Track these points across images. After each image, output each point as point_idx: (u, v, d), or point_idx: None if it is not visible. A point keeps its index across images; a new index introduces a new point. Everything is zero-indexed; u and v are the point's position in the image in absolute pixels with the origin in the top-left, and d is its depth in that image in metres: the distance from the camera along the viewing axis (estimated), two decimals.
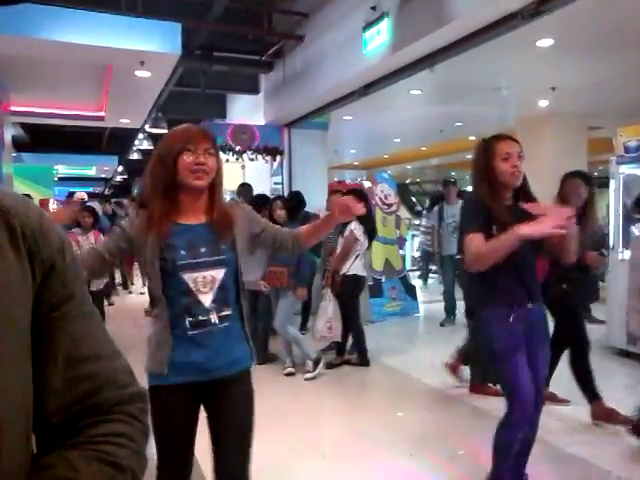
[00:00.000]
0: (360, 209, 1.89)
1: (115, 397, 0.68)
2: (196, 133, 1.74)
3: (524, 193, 2.28)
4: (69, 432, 0.64)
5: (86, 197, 8.72)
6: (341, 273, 4.79)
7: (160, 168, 1.74)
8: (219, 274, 1.74)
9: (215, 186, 1.79)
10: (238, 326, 1.81)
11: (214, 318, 1.73)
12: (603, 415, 3.45)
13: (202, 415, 1.85)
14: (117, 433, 0.65)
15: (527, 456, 2.41)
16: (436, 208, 7.21)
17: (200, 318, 1.72)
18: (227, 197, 5.41)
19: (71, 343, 0.65)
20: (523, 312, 2.23)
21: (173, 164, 1.70)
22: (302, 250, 2.12)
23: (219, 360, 1.74)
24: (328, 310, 4.64)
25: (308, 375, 4.54)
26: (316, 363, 4.58)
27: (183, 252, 1.70)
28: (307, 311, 6.12)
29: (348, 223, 4.82)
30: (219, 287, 1.74)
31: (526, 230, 1.97)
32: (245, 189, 6.86)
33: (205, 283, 1.72)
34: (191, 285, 1.71)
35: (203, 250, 1.73)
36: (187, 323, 1.71)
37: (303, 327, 5.96)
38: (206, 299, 1.72)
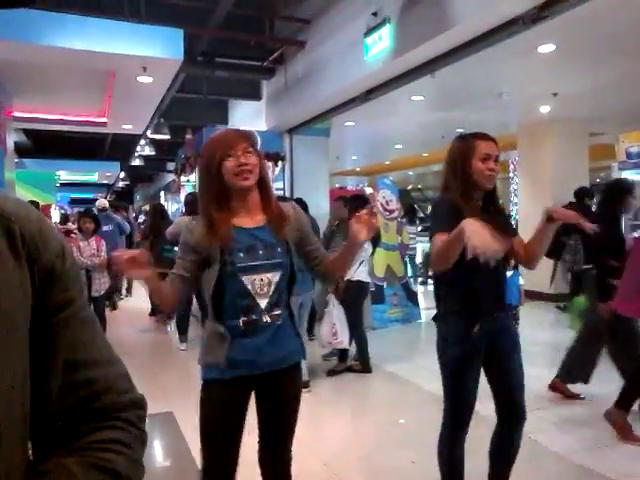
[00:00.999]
0: (375, 224, 1.85)
1: (113, 404, 0.67)
2: (232, 136, 1.83)
3: (492, 198, 2.23)
4: (66, 438, 0.64)
5: (107, 204, 8.73)
6: (345, 279, 4.78)
7: (207, 178, 1.82)
8: (275, 277, 1.81)
9: (263, 183, 1.85)
10: (288, 323, 1.88)
11: (266, 318, 1.80)
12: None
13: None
14: (115, 440, 0.65)
15: (510, 466, 2.33)
16: None
17: (254, 317, 1.78)
18: None
19: (70, 349, 0.65)
20: (489, 321, 2.16)
21: (217, 172, 1.77)
22: (331, 282, 2.16)
23: (269, 355, 1.81)
24: (332, 316, 4.62)
25: None
26: None
27: (242, 255, 1.77)
28: (312, 318, 6.10)
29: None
30: (275, 289, 1.80)
31: (470, 228, 1.75)
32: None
33: (262, 285, 1.79)
34: (249, 287, 1.77)
35: (261, 253, 1.79)
36: (240, 322, 1.77)
37: (309, 334, 5.93)
38: (263, 301, 1.79)
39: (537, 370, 4.20)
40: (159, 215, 7.43)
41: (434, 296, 2.32)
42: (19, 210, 0.64)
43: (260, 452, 1.97)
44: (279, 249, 1.81)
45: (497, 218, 2.17)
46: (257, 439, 1.98)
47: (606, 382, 4.66)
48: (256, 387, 1.89)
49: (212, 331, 1.83)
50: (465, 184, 2.15)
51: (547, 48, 5.24)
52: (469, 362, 2.17)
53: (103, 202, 8.71)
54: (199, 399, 1.86)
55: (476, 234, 1.70)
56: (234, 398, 1.84)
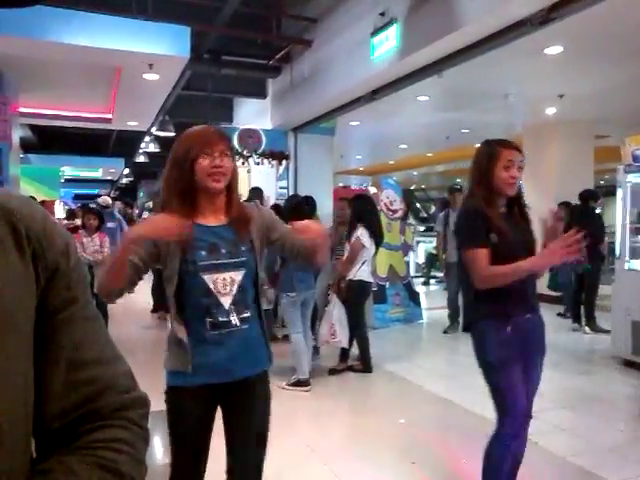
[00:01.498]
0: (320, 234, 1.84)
1: (116, 402, 0.67)
2: (211, 135, 1.74)
3: (518, 203, 2.26)
4: (69, 437, 0.63)
5: (110, 201, 8.73)
6: (347, 279, 4.78)
7: (177, 172, 1.74)
8: (238, 276, 1.74)
9: (232, 186, 1.80)
10: (257, 328, 1.82)
11: (234, 320, 1.74)
12: None
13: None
14: (117, 439, 0.65)
15: (517, 471, 2.31)
16: (442, 215, 7.20)
17: (220, 319, 1.72)
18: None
19: (73, 347, 0.65)
20: (521, 323, 2.18)
21: (190, 168, 1.70)
22: (312, 264, 2.07)
23: (239, 361, 1.75)
24: (332, 315, 4.62)
25: (282, 384, 4.38)
26: (296, 384, 4.40)
27: (204, 253, 1.71)
28: (314, 316, 6.09)
29: (354, 229, 4.81)
30: (238, 289, 1.74)
31: (539, 264, 2.06)
32: (255, 193, 6.85)
33: (225, 285, 1.73)
34: (211, 286, 1.71)
35: (223, 251, 1.74)
36: (207, 324, 1.72)
37: (312, 332, 5.92)
38: (226, 301, 1.73)
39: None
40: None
41: (465, 302, 2.34)
42: (23, 208, 0.64)
43: (230, 468, 1.84)
44: (243, 248, 1.76)
45: (520, 225, 2.20)
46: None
47: (610, 385, 4.66)
48: (224, 396, 1.81)
49: (173, 335, 1.78)
50: (488, 190, 2.18)
51: (554, 50, 5.23)
52: (510, 363, 2.16)
53: (107, 199, 8.71)
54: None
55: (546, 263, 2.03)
56: (201, 407, 1.78)
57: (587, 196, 6.71)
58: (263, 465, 1.86)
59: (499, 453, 2.24)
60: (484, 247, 2.10)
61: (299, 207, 4.51)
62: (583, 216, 6.15)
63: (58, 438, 0.64)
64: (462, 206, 2.37)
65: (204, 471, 1.85)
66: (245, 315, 1.76)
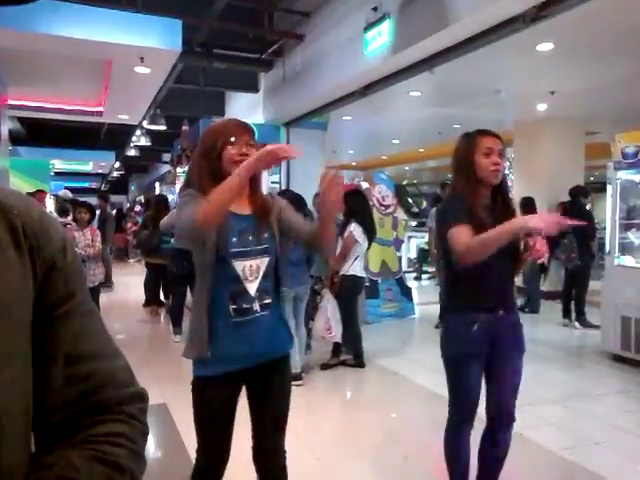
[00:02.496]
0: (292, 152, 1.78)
1: (115, 396, 0.67)
2: (237, 126, 1.84)
3: (502, 193, 2.21)
4: (68, 431, 0.64)
5: (70, 195, 8.64)
6: (340, 274, 4.79)
7: (205, 162, 1.81)
8: (263, 263, 1.82)
9: (256, 176, 1.85)
10: (277, 313, 1.90)
11: (256, 306, 1.80)
12: None
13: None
14: (117, 433, 0.65)
15: (500, 467, 2.33)
16: (433, 210, 7.22)
17: (244, 306, 1.78)
18: None
19: (71, 342, 0.65)
20: (491, 320, 2.15)
21: (217, 157, 1.79)
22: (319, 251, 2.10)
23: (262, 347, 1.82)
24: (327, 311, 4.63)
25: None
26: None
27: (234, 239, 1.77)
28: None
29: (347, 224, 4.82)
30: (263, 276, 1.81)
31: (530, 223, 1.91)
32: None
33: (252, 272, 1.79)
34: (239, 273, 1.77)
35: (251, 239, 1.80)
36: (231, 311, 1.77)
37: (306, 326, 5.93)
38: (252, 287, 1.79)
39: (528, 367, 4.21)
40: (163, 206, 7.42)
41: (441, 292, 2.34)
42: (20, 204, 0.64)
43: (254, 447, 1.96)
44: (266, 235, 1.84)
45: (503, 217, 2.11)
46: (250, 434, 1.98)
47: (599, 380, 4.72)
48: (247, 381, 1.89)
49: (195, 319, 1.82)
50: (470, 181, 2.15)
51: (545, 47, 5.25)
52: (468, 360, 2.16)
53: (67, 193, 8.63)
54: (191, 394, 1.86)
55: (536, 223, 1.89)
56: (226, 394, 1.84)
57: (577, 192, 6.76)
58: (283, 447, 1.97)
59: (453, 442, 2.30)
60: (466, 224, 2.04)
61: (295, 201, 4.48)
62: (573, 212, 6.19)
63: (57, 432, 0.64)
64: (448, 195, 2.35)
65: (227, 458, 1.91)
66: (267, 301, 1.83)
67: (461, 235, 2.01)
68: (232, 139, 1.78)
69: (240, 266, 1.77)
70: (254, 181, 1.86)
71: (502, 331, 2.19)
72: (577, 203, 6.71)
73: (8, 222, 0.61)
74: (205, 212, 1.63)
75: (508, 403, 2.25)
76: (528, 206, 6.79)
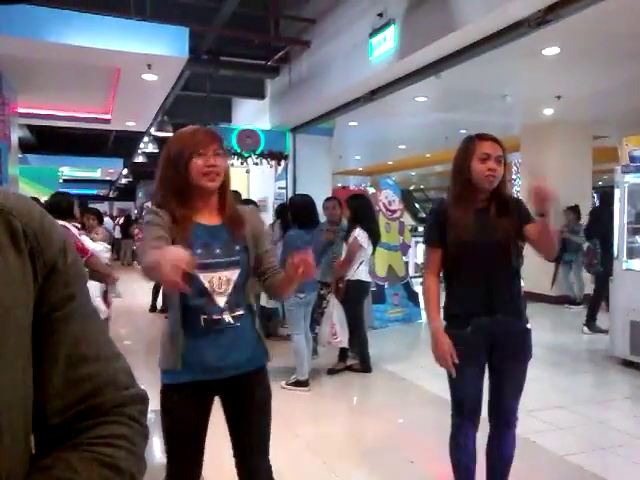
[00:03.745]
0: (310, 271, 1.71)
1: (115, 398, 0.67)
2: (204, 135, 1.76)
3: (499, 196, 2.16)
4: (68, 433, 0.64)
5: None
6: (345, 279, 4.78)
7: (172, 171, 1.75)
8: (234, 275, 1.76)
9: (224, 186, 1.81)
10: (250, 325, 1.83)
11: (228, 318, 1.75)
12: None
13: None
14: (117, 435, 0.65)
15: (507, 471, 2.31)
16: None
17: (214, 317, 1.73)
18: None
19: (72, 344, 0.65)
20: (485, 323, 2.14)
21: (185, 168, 1.72)
22: (275, 298, 1.98)
23: (231, 358, 1.76)
24: (333, 316, 4.63)
25: (282, 383, 4.40)
26: (295, 384, 4.41)
27: (199, 251, 1.71)
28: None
29: (352, 230, 4.82)
30: (233, 288, 1.76)
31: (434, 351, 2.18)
32: (234, 196, 6.73)
33: (220, 284, 1.74)
34: (206, 285, 1.72)
35: (218, 251, 1.75)
36: (201, 321, 1.73)
37: (312, 331, 5.92)
38: (221, 300, 1.74)
39: (537, 372, 4.20)
40: None
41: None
42: (21, 206, 0.64)
43: (236, 464, 1.88)
44: (237, 247, 1.78)
45: (495, 223, 2.11)
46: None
47: (608, 385, 4.68)
48: (221, 394, 1.84)
49: (167, 330, 1.79)
50: (462, 186, 2.14)
51: (552, 51, 5.25)
52: (463, 362, 2.15)
53: None
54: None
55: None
56: (193, 404, 1.78)
57: (608, 197, 6.63)
58: (267, 464, 1.88)
59: (453, 445, 2.30)
60: (436, 247, 2.17)
61: (308, 207, 4.47)
62: (604, 216, 6.02)
63: (58, 434, 0.64)
64: (432, 207, 2.38)
65: (200, 473, 1.85)
66: (238, 313, 1.77)
67: (429, 262, 2.23)
68: (200, 150, 1.71)
69: (207, 278, 1.71)
70: (224, 191, 1.81)
71: (502, 336, 2.17)
72: (607, 208, 6.55)
73: (8, 224, 0.61)
74: (143, 271, 1.55)
75: (505, 408, 2.24)
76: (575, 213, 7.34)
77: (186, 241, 1.68)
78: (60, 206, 3.68)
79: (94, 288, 4.01)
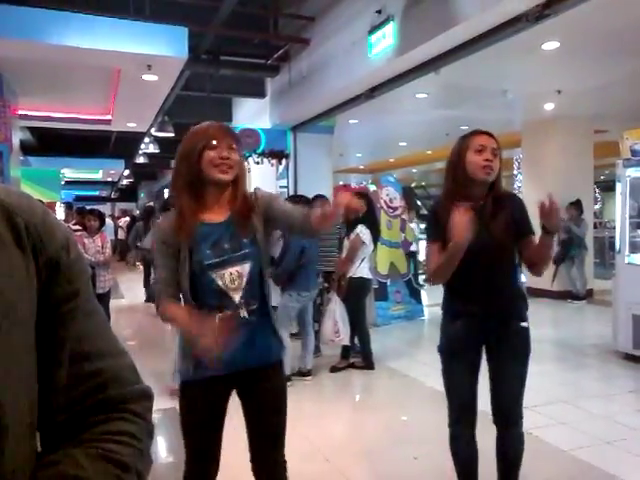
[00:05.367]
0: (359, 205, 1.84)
1: (120, 395, 0.67)
2: (218, 129, 1.78)
3: (494, 194, 2.14)
4: (74, 430, 0.64)
5: None
6: (347, 276, 4.79)
7: (185, 165, 1.77)
8: (245, 269, 1.76)
9: (238, 181, 1.82)
10: (265, 319, 1.84)
11: (243, 312, 1.76)
12: None
13: None
14: (122, 431, 0.65)
15: (514, 468, 2.29)
16: None
17: (229, 312, 1.74)
18: None
19: (76, 340, 0.65)
20: (479, 321, 2.14)
21: (197, 160, 1.73)
22: (313, 235, 2.06)
23: (248, 353, 1.77)
24: (335, 314, 4.63)
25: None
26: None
27: (208, 252, 1.73)
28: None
29: (354, 227, 4.82)
30: (247, 282, 1.76)
31: (455, 237, 1.93)
32: None
33: (233, 279, 1.75)
34: (220, 283, 1.73)
35: (226, 247, 1.75)
36: (217, 319, 1.72)
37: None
38: (236, 295, 1.75)
39: (540, 367, 4.20)
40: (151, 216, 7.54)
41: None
42: (23, 203, 0.64)
43: (252, 460, 1.89)
44: (245, 240, 1.78)
45: (489, 221, 2.10)
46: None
47: (611, 379, 4.68)
48: (237, 388, 1.85)
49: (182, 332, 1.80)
50: (457, 182, 2.14)
51: (551, 45, 5.24)
52: (453, 357, 2.17)
53: None
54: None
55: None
56: (211, 399, 1.80)
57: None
58: (282, 459, 1.90)
59: (450, 445, 2.31)
60: (435, 241, 2.14)
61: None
62: None
63: (63, 431, 0.64)
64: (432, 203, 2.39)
65: (217, 468, 1.87)
66: (253, 307, 1.78)
67: (430, 258, 2.15)
68: (213, 142, 1.73)
69: (219, 276, 1.73)
70: (236, 184, 1.81)
71: (499, 335, 2.17)
72: None
73: (10, 221, 0.61)
74: (161, 315, 1.77)
75: (505, 407, 2.23)
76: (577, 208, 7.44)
77: (194, 243, 1.72)
78: None
79: None
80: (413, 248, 7.66)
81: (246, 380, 1.82)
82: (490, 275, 2.13)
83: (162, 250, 1.77)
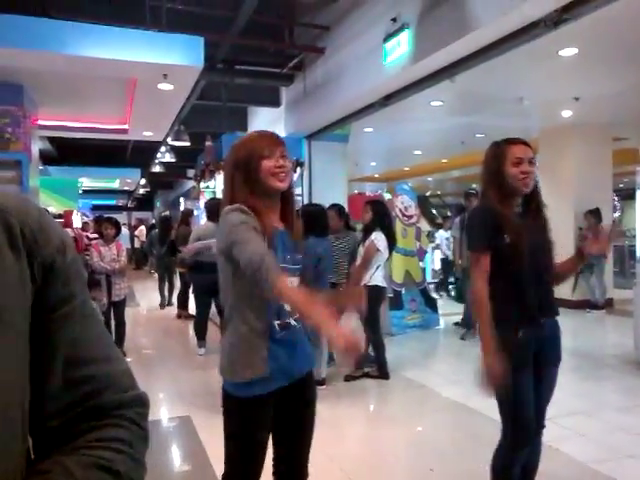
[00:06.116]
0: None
1: (114, 401, 0.66)
2: (271, 138, 1.81)
3: (535, 201, 2.17)
4: (67, 436, 0.62)
5: None
6: (362, 284, 4.75)
7: (242, 174, 1.76)
8: (295, 282, 1.80)
9: (289, 191, 1.83)
10: (304, 328, 1.88)
11: (293, 321, 1.80)
12: None
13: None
14: (115, 438, 0.64)
15: (529, 477, 2.24)
16: (458, 219, 7.15)
17: (286, 321, 1.78)
18: None
19: (70, 345, 0.63)
20: (534, 328, 2.09)
21: (256, 170, 1.74)
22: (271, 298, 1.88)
23: (299, 360, 1.82)
24: (350, 322, 4.59)
25: None
26: None
27: (278, 255, 1.74)
28: None
29: (370, 233, 4.79)
30: None
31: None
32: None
33: None
34: None
35: (288, 257, 1.79)
36: (276, 326, 1.75)
37: None
38: (287, 305, 1.77)
39: (560, 377, 4.11)
40: (167, 225, 7.59)
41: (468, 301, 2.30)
42: (19, 205, 0.63)
43: (275, 467, 1.87)
44: (299, 256, 1.83)
45: (537, 225, 2.13)
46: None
47: (632, 390, 4.57)
48: (281, 396, 1.82)
49: (240, 337, 1.72)
50: (500, 191, 2.12)
51: (569, 52, 5.18)
52: (524, 370, 2.07)
53: None
54: (226, 414, 1.78)
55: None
56: (268, 413, 1.78)
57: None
58: (307, 471, 1.91)
59: (504, 462, 2.18)
60: (485, 251, 2.06)
61: (319, 216, 4.46)
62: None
63: (56, 437, 0.62)
64: (475, 206, 2.33)
65: (261, 473, 1.86)
66: (297, 316, 1.80)
67: (476, 274, 2.07)
68: (268, 152, 1.74)
69: None
70: (289, 195, 1.81)
71: (546, 339, 2.15)
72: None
73: (5, 223, 0.60)
74: (278, 292, 1.54)
75: (543, 414, 2.20)
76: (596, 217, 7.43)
77: (270, 241, 1.70)
78: None
79: None
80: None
81: (288, 390, 1.80)
82: (543, 278, 2.12)
83: (254, 234, 1.65)
